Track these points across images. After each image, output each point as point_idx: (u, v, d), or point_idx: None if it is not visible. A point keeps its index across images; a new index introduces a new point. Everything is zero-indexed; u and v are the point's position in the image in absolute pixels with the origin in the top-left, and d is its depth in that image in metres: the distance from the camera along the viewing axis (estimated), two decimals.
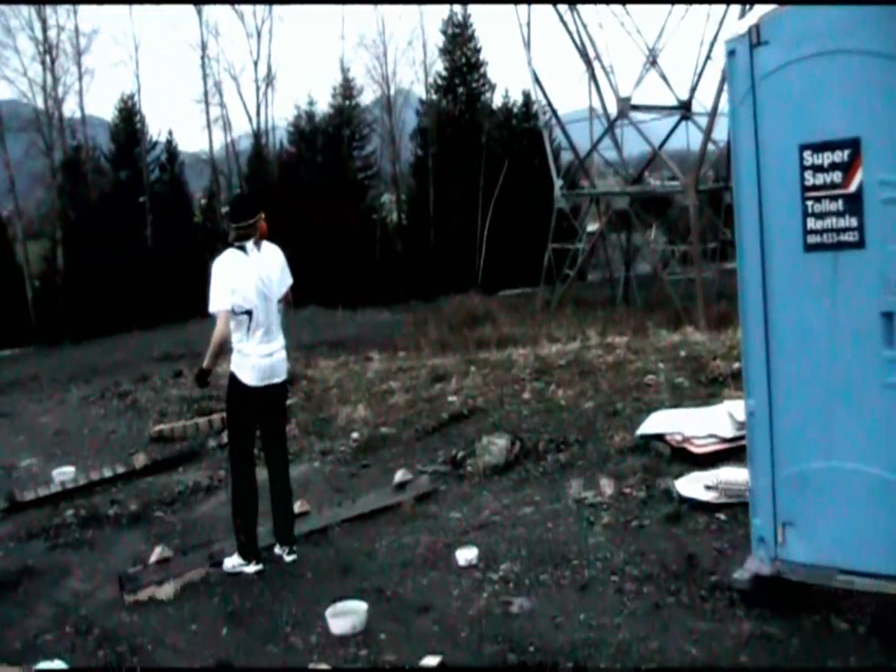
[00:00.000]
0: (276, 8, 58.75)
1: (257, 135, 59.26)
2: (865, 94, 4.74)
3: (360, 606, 5.86)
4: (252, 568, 6.94)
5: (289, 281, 7.23)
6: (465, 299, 37.03)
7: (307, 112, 58.61)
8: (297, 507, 7.77)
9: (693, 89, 41.08)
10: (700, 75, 40.36)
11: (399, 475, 8.66)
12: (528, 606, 5.81)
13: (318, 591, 6.44)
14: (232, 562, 7.01)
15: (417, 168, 58.57)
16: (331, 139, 57.00)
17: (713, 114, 35.99)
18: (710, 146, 37.61)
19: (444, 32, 59.48)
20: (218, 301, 6.85)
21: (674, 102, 41.71)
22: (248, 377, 6.95)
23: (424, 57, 62.05)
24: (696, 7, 40.15)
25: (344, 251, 50.83)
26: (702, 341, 14.87)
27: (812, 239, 4.94)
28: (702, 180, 37.48)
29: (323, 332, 29.92)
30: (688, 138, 42.03)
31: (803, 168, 4.93)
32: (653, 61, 41.48)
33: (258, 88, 60.02)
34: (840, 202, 4.85)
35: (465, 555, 6.63)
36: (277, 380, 7.08)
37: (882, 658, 4.72)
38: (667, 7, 40.71)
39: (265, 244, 7.11)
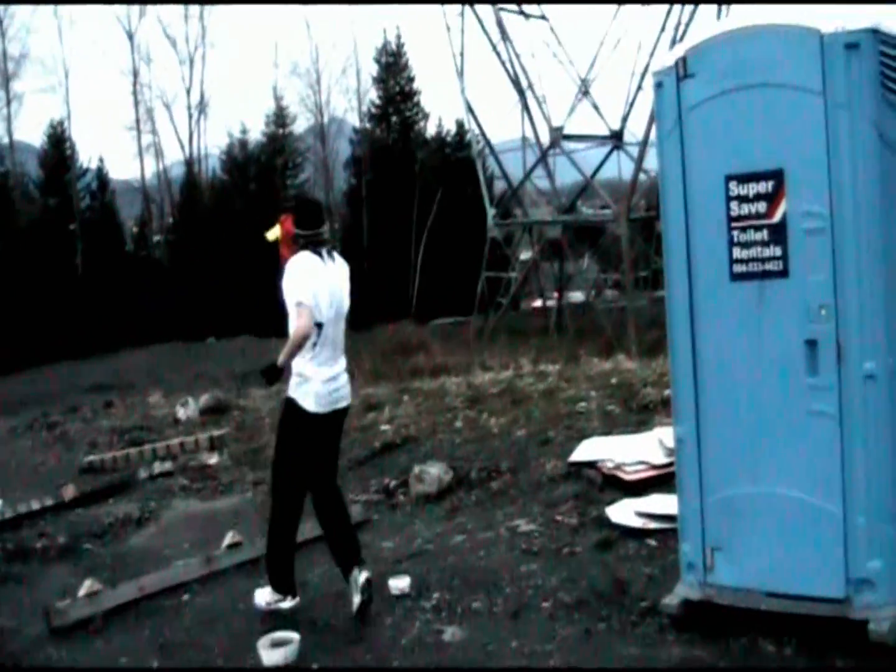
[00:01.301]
0: (209, 35, 58.78)
1: (190, 162, 59.09)
2: (789, 126, 4.86)
3: (293, 637, 5.82)
4: (289, 603, 6.49)
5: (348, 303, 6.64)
6: (398, 328, 37.04)
7: (240, 140, 58.61)
8: (229, 538, 7.71)
9: (624, 119, 41.70)
10: (631, 106, 41.02)
11: None
12: (461, 635, 5.81)
13: (249, 622, 6.38)
14: (265, 597, 6.54)
15: (351, 197, 58.73)
16: (264, 167, 56.94)
17: (644, 143, 36.48)
18: (642, 175, 38.10)
19: (378, 61, 59.83)
20: (299, 295, 6.13)
21: (606, 132, 42.23)
22: (312, 404, 6.26)
23: (358, 85, 62.58)
24: (627, 38, 40.78)
25: (278, 280, 50.66)
26: (633, 369, 14.97)
27: (738, 268, 5.04)
28: (633, 209, 37.94)
29: (256, 362, 29.71)
30: (619, 167, 42.59)
31: (729, 198, 5.04)
32: (585, 91, 42.03)
33: (190, 116, 60.01)
34: (765, 232, 4.96)
35: (398, 584, 6.62)
36: (343, 404, 6.47)
37: None
38: (599, 37, 41.30)
39: (338, 257, 6.53)
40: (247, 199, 54.20)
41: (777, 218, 4.91)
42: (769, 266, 4.95)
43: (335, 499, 6.58)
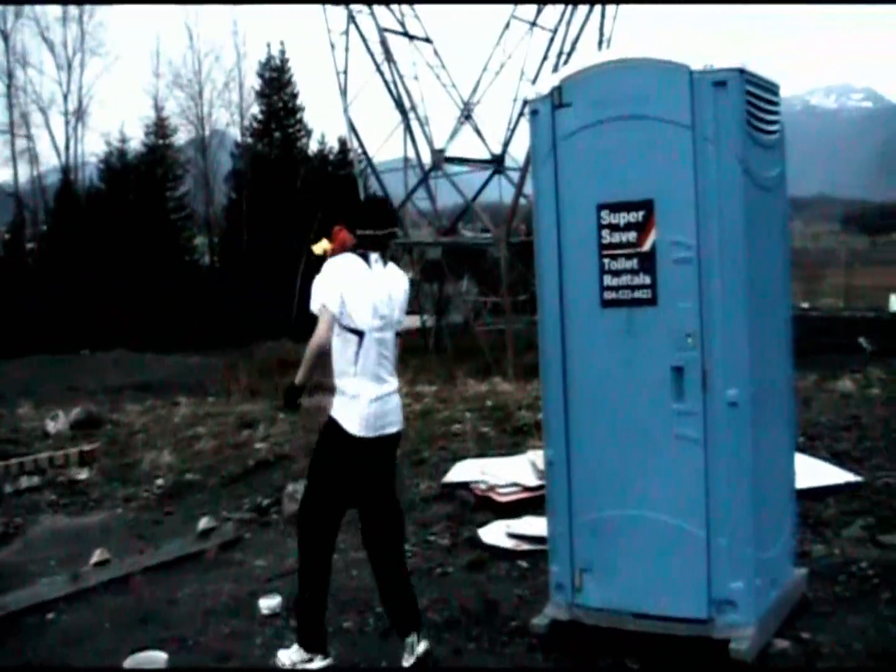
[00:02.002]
0: (89, 40, 57.80)
1: (66, 169, 57.87)
2: (659, 158, 4.99)
3: (160, 657, 5.74)
4: (318, 664, 5.56)
5: (405, 319, 5.91)
6: (277, 345, 36.79)
7: (118, 149, 57.61)
8: (98, 555, 7.57)
9: (506, 144, 42.04)
10: (513, 131, 41.37)
11: (203, 522, 8.53)
12: (333, 654, 5.80)
13: (117, 641, 6.25)
14: (290, 656, 5.61)
15: (231, 211, 58.23)
16: (143, 178, 56.08)
17: (525, 169, 36.82)
18: (522, 200, 38.46)
19: (262, 76, 59.50)
20: (322, 297, 5.50)
21: (487, 156, 42.58)
22: (356, 426, 5.46)
23: (241, 99, 62.04)
24: (510, 64, 41.27)
25: (154, 293, 49.92)
26: (509, 391, 15.15)
27: (608, 295, 5.15)
28: (513, 233, 38.32)
29: (131, 376, 29.28)
30: (500, 192, 42.89)
31: (601, 226, 5.14)
32: (467, 115, 42.30)
33: (67, 122, 58.77)
34: (635, 261, 5.07)
35: (268, 603, 6.58)
36: (391, 430, 5.61)
37: None
38: (482, 62, 41.71)
39: (391, 265, 5.76)
40: (124, 209, 53.31)
41: (647, 247, 5.03)
42: (638, 294, 5.07)
43: (387, 545, 5.70)
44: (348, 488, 5.60)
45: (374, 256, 5.59)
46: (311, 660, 5.57)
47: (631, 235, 5.07)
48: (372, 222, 5.67)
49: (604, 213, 5.13)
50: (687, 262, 4.92)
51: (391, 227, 5.81)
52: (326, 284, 5.51)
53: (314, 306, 5.54)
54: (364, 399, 5.47)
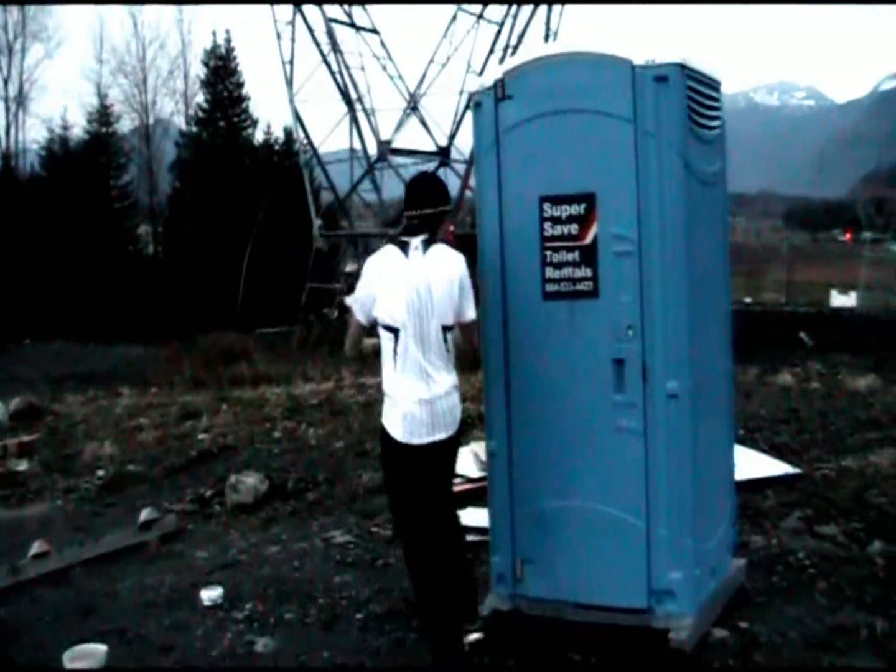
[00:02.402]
0: (31, 24, 57.01)
1: (6, 156, 57.02)
2: (601, 152, 5.01)
3: (100, 649, 5.69)
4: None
5: (468, 310, 5.28)
6: (221, 336, 36.50)
7: (61, 136, 56.84)
8: (37, 547, 7.49)
9: (452, 137, 42.10)
10: (459, 124, 41.42)
11: (145, 514, 8.46)
12: (273, 645, 5.78)
13: (56, 634, 6.19)
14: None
15: (175, 200, 57.60)
16: (85, 166, 55.37)
17: (470, 161, 36.85)
18: (468, 192, 38.53)
19: (207, 64, 58.90)
20: (357, 291, 5.29)
21: (433, 148, 42.58)
22: (398, 430, 5.18)
23: (186, 88, 61.45)
24: (456, 57, 41.30)
25: (97, 283, 49.36)
26: None
27: (550, 287, 5.17)
28: (460, 225, 38.34)
29: (73, 366, 28.95)
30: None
31: (543, 219, 5.16)
32: (413, 107, 42.29)
33: (8, 108, 57.91)
34: (576, 253, 5.10)
35: (210, 594, 6.55)
36: (441, 436, 5.17)
37: None
38: (429, 54, 41.71)
39: (439, 249, 5.21)
40: (67, 197, 52.59)
41: (588, 240, 5.06)
42: (580, 286, 5.10)
43: (435, 550, 5.30)
44: (407, 490, 5.28)
45: (414, 243, 5.17)
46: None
47: (573, 228, 5.09)
48: (414, 202, 5.32)
49: (546, 206, 5.15)
50: (628, 256, 4.96)
51: (435, 205, 5.31)
52: (359, 283, 5.31)
53: (347, 299, 5.26)
54: (405, 402, 5.14)
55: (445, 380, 5.19)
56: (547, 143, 5.13)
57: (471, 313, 5.27)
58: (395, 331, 5.14)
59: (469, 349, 5.57)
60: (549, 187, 5.14)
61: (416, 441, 5.14)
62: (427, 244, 5.17)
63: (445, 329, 5.18)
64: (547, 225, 5.15)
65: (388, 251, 5.23)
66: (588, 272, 5.07)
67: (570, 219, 5.09)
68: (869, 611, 5.54)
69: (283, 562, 7.31)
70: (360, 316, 5.30)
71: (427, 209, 5.25)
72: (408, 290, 5.10)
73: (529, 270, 5.21)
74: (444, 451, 5.23)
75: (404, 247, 5.18)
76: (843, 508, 7.36)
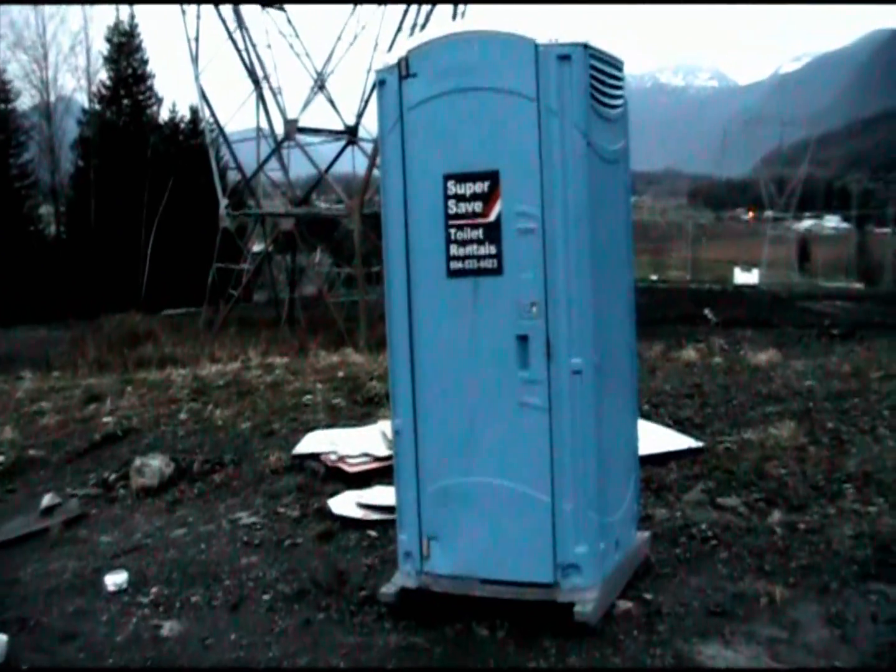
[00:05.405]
0: None
1: None
2: (504, 130, 5.03)
3: (0, 638, 5.61)
4: None
5: None
6: (126, 317, 36.06)
7: None
8: None
9: (359, 115, 41.95)
10: (366, 102, 41.26)
11: (47, 499, 8.32)
12: (179, 629, 5.74)
13: None
14: None
15: (78, 179, 56.68)
16: None
17: (378, 140, 36.79)
18: (376, 171, 38.41)
19: (110, 41, 57.94)
20: None
21: (341, 127, 42.40)
22: None
23: (88, 64, 60.24)
24: (364, 35, 41.09)
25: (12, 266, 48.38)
26: (360, 362, 15.17)
27: (454, 265, 5.17)
28: (368, 204, 38.24)
29: None
30: (354, 163, 42.80)
31: (447, 197, 5.15)
32: (321, 85, 42.05)
33: None
34: (480, 231, 5.11)
35: (115, 579, 6.47)
36: None
37: (517, 659, 4.98)
38: (336, 32, 41.47)
39: None
40: None
41: (492, 217, 5.07)
42: (484, 264, 5.11)
43: None
44: None
45: None
46: None
47: (477, 206, 5.10)
48: None
49: (450, 184, 5.14)
50: (531, 233, 4.98)
51: None
52: None
53: None
54: None
55: None
56: (451, 121, 5.13)
57: None
58: None
59: None
60: (452, 165, 5.13)
61: None
62: None
63: None
64: (451, 203, 5.15)
65: None
66: (492, 249, 5.08)
67: (474, 196, 5.10)
68: (768, 579, 5.66)
69: (189, 544, 7.24)
70: None
71: None
72: None
73: (434, 248, 5.21)
74: None
75: None
76: (744, 480, 7.50)
